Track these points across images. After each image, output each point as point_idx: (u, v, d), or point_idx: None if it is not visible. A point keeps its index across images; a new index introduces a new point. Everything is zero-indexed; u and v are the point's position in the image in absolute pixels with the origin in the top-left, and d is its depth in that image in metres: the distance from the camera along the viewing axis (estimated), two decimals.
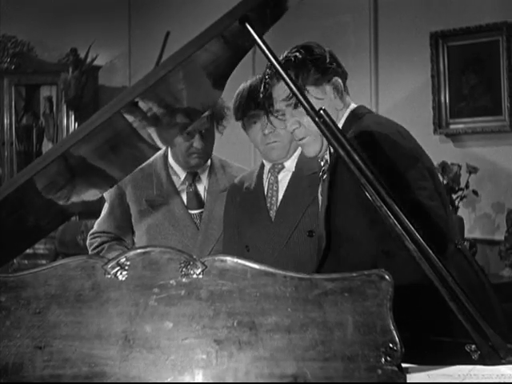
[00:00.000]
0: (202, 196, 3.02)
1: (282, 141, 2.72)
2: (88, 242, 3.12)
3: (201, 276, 1.38)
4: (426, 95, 5.23)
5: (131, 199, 3.04)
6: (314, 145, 2.31)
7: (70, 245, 5.63)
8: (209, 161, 3.06)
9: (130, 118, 1.82)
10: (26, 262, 5.78)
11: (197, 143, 2.92)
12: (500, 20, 4.86)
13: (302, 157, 2.75)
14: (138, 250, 1.41)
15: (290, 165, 2.79)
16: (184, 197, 3.02)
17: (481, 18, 4.96)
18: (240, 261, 1.39)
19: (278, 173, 2.79)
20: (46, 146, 6.79)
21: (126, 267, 1.40)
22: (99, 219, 3.11)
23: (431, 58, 5.19)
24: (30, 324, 1.40)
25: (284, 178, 2.79)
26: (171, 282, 1.39)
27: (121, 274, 1.40)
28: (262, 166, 2.87)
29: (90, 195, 2.14)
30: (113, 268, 1.40)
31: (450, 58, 5.15)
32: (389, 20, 5.50)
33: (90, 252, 3.08)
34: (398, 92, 5.44)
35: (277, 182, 2.79)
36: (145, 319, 1.38)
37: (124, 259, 1.40)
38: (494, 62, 4.91)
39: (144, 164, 2.99)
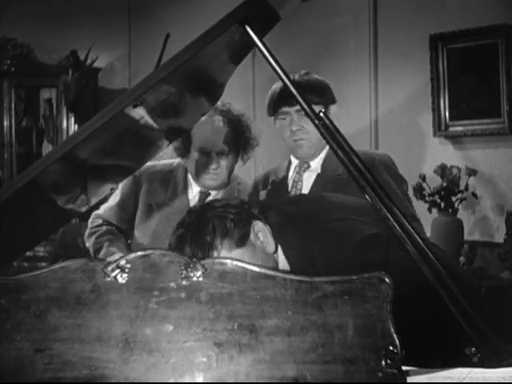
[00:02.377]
0: None
1: (310, 139, 2.79)
2: (90, 221, 3.11)
3: (201, 279, 1.38)
4: (425, 97, 5.24)
5: (143, 197, 3.05)
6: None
7: (70, 247, 5.63)
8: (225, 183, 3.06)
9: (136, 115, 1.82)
10: (25, 264, 5.77)
11: (213, 164, 2.95)
12: (499, 22, 4.86)
13: (327, 157, 2.79)
14: (138, 253, 1.41)
15: (316, 165, 2.83)
16: None
17: (480, 20, 4.96)
18: (240, 263, 1.39)
19: (304, 171, 2.85)
20: (46, 148, 6.79)
21: (126, 270, 1.40)
22: (107, 204, 3.11)
23: (430, 61, 5.20)
24: (30, 327, 1.40)
25: (309, 178, 2.83)
26: (171, 284, 1.38)
27: (121, 276, 1.39)
28: (290, 162, 2.92)
29: (106, 190, 2.15)
30: (113, 271, 1.40)
31: (450, 60, 5.15)
32: (388, 22, 5.51)
33: (88, 232, 3.07)
34: (397, 94, 5.44)
35: (301, 180, 2.84)
36: (145, 322, 1.38)
37: (124, 262, 1.40)
38: (493, 64, 4.91)
39: (167, 166, 3.06)
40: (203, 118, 2.84)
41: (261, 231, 2.05)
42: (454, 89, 5.14)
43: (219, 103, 2.92)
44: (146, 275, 1.39)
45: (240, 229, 2.02)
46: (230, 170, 3.03)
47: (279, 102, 2.81)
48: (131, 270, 1.40)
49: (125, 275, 1.39)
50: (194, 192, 3.05)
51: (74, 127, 6.49)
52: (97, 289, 1.40)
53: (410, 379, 1.41)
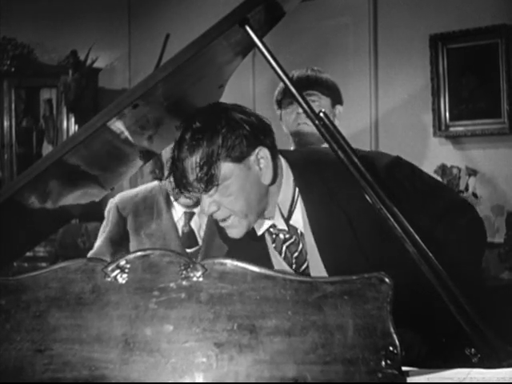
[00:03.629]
0: (197, 236, 2.99)
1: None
2: None
3: (201, 279, 1.38)
4: (425, 97, 5.23)
5: (131, 227, 3.03)
6: (240, 226, 2.00)
7: (70, 247, 5.63)
8: None
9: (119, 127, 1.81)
10: (25, 264, 5.77)
11: None
12: (499, 22, 4.86)
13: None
14: (138, 253, 1.41)
15: None
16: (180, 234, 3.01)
17: (480, 20, 4.96)
18: (240, 264, 1.39)
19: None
20: (46, 148, 6.78)
21: (126, 270, 1.40)
22: (97, 244, 3.08)
23: (431, 61, 5.19)
24: (30, 327, 1.40)
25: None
26: (171, 284, 1.38)
27: (121, 276, 1.39)
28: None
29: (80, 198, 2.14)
30: (113, 271, 1.40)
31: (450, 60, 5.15)
32: (388, 22, 5.50)
33: None
34: (397, 94, 5.44)
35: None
36: (145, 322, 1.38)
37: (124, 262, 1.40)
38: (494, 64, 4.90)
39: (147, 193, 3.03)
40: None
41: (264, 158, 1.96)
42: (454, 89, 5.13)
43: None
44: (146, 275, 1.39)
45: (244, 146, 1.93)
46: None
47: (286, 95, 2.90)
48: (131, 271, 1.39)
49: (125, 275, 1.39)
50: (178, 214, 3.02)
51: (74, 127, 6.49)
52: (97, 289, 1.40)
53: (409, 379, 1.41)
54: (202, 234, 2.95)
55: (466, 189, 4.79)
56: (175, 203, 3.01)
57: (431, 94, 5.20)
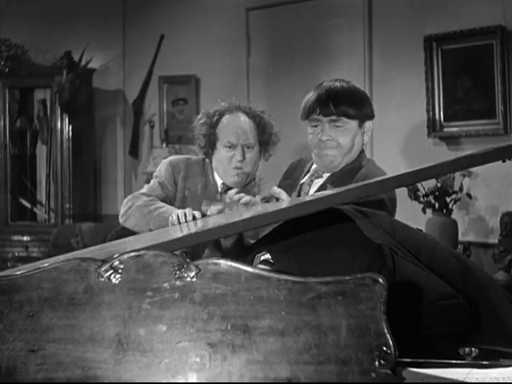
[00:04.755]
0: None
1: (335, 155, 2.74)
2: (125, 202, 3.12)
3: (194, 279, 1.38)
4: (420, 98, 5.24)
5: (181, 184, 3.15)
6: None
7: (63, 248, 5.62)
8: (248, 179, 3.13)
9: None
10: (19, 264, 5.77)
11: (239, 156, 3.03)
12: (494, 24, 4.86)
13: (340, 171, 2.77)
14: (132, 254, 1.40)
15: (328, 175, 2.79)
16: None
17: (475, 21, 4.97)
18: (234, 264, 1.39)
19: (317, 178, 2.81)
20: (40, 149, 6.78)
21: (120, 270, 1.39)
22: (149, 185, 3.19)
23: (425, 61, 5.20)
24: (23, 327, 1.39)
25: (317, 184, 2.80)
26: (165, 285, 1.38)
27: (114, 277, 1.39)
28: (311, 165, 2.89)
29: None
30: (106, 271, 1.40)
31: (444, 61, 5.16)
32: (383, 23, 5.51)
33: (133, 208, 3.07)
34: (392, 95, 5.44)
35: (310, 185, 2.82)
36: (138, 322, 1.37)
37: (117, 262, 1.40)
38: (488, 65, 4.91)
39: (199, 161, 3.22)
40: (227, 116, 3.06)
41: None
42: (449, 90, 5.14)
43: (238, 102, 3.12)
44: (140, 276, 1.39)
45: None
46: (255, 165, 3.11)
47: (314, 109, 2.74)
48: (124, 271, 1.39)
49: (118, 276, 1.39)
50: (218, 185, 3.14)
51: (68, 128, 6.48)
52: (90, 289, 1.39)
53: (407, 379, 1.41)
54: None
55: (461, 189, 4.80)
56: (217, 178, 3.14)
57: (426, 95, 5.20)
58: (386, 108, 5.47)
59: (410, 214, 4.38)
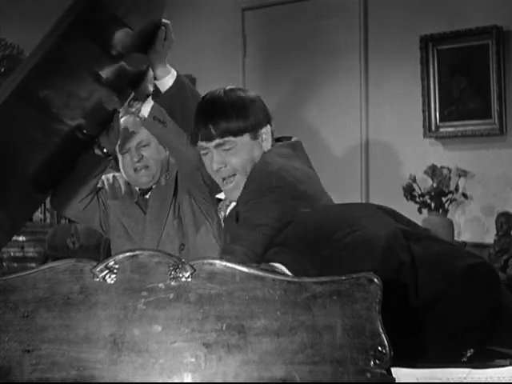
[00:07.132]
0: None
1: (237, 181, 2.33)
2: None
3: (189, 279, 1.38)
4: (415, 98, 5.25)
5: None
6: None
7: (59, 248, 5.62)
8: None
9: None
10: (15, 264, 5.77)
11: (134, 157, 2.94)
12: (490, 24, 4.88)
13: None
14: (127, 254, 1.40)
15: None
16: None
17: (471, 21, 4.98)
18: (229, 264, 1.39)
19: (226, 210, 2.48)
20: None
21: (115, 270, 1.39)
22: None
23: (421, 61, 5.21)
24: (18, 327, 1.39)
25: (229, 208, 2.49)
26: (160, 285, 1.38)
27: (109, 277, 1.39)
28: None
29: None
30: (101, 271, 1.39)
31: (440, 61, 5.17)
32: (379, 23, 5.52)
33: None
34: (387, 95, 5.45)
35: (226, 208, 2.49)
36: (133, 323, 1.37)
37: (112, 262, 1.40)
38: (484, 65, 4.93)
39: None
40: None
41: None
42: (445, 90, 5.15)
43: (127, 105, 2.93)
44: (135, 276, 1.39)
45: None
46: (159, 160, 2.97)
47: (196, 135, 2.34)
48: (119, 271, 1.39)
49: (113, 276, 1.39)
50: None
51: None
52: (85, 289, 1.39)
53: (398, 380, 1.41)
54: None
55: (456, 189, 4.81)
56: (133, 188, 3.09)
57: (421, 95, 5.21)
58: (381, 108, 5.48)
59: (406, 214, 4.37)
